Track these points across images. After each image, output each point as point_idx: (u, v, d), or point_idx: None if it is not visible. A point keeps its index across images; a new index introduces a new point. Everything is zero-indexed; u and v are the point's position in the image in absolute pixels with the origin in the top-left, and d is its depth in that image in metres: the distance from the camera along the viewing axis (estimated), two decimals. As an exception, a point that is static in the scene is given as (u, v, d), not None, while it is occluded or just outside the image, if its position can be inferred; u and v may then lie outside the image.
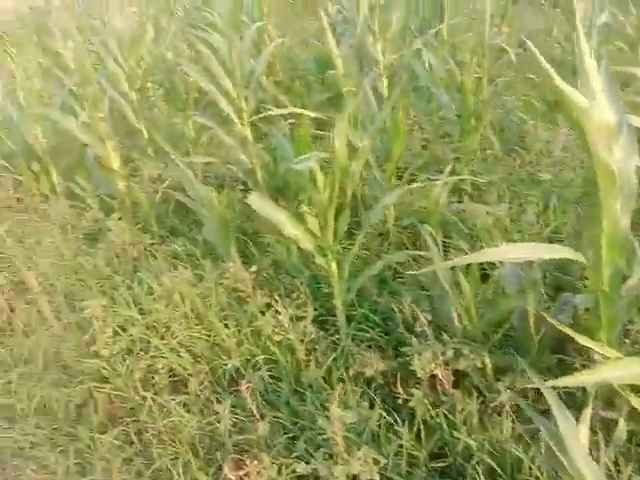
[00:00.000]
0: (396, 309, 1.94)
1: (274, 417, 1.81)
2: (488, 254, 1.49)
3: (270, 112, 2.54)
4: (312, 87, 4.07)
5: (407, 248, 2.47)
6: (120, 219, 2.82)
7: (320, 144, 2.97)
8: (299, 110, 2.38)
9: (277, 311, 2.03)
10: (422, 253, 2.20)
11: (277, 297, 2.07)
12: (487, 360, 1.66)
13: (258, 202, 1.96)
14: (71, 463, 1.85)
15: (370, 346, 1.99)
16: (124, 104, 3.39)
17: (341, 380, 1.86)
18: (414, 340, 1.75)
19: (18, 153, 3.53)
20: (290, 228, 1.97)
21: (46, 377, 2.22)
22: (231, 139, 2.99)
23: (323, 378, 1.92)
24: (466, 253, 2.05)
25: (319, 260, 2.04)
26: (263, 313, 2.12)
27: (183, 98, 3.48)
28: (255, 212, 2.77)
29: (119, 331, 2.25)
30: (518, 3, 5.31)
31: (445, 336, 1.73)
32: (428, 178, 2.66)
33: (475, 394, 1.63)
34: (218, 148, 3.46)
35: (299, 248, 2.49)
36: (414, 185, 2.27)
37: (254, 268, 2.43)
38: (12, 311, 2.64)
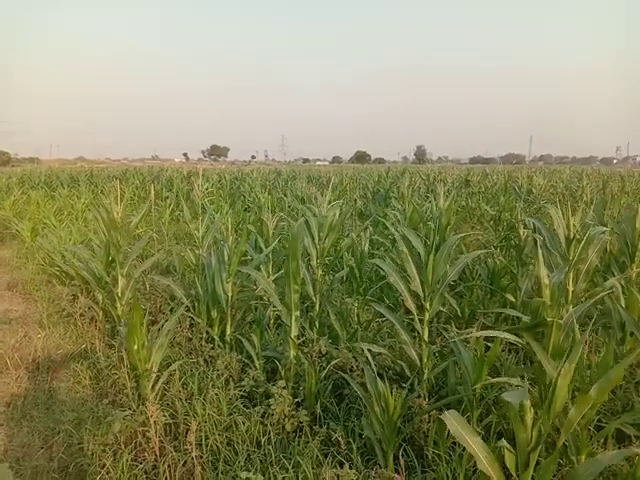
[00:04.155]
0: None
1: None
2: None
3: (471, 332, 2.48)
4: (484, 299, 4.06)
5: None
6: (284, 388, 2.83)
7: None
8: (495, 333, 2.28)
9: None
10: None
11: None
12: None
13: (455, 423, 1.82)
14: None
15: None
16: (307, 276, 3.64)
17: None
18: None
19: (203, 299, 3.86)
20: (483, 462, 1.78)
21: None
22: (406, 335, 2.99)
23: None
24: None
25: (509, 507, 1.79)
26: None
27: (362, 284, 3.65)
28: (423, 418, 2.68)
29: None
30: None
31: None
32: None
33: None
34: (384, 338, 3.47)
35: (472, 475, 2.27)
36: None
37: (417, 489, 2.22)
38: (161, 455, 2.64)
